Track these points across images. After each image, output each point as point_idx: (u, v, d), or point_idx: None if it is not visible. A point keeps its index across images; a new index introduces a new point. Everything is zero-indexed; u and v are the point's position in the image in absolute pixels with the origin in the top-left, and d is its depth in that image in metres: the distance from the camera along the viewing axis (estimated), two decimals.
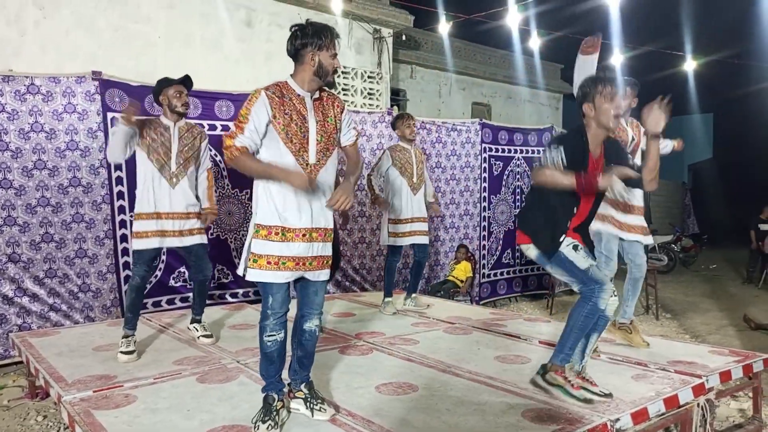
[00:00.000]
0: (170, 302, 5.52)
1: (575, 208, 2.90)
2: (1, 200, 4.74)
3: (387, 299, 5.17)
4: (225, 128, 5.78)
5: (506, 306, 7.78)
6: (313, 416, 2.73)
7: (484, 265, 7.75)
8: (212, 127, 5.72)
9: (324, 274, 2.74)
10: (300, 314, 2.80)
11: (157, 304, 5.44)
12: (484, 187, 7.73)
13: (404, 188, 5.08)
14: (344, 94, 9.67)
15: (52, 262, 4.95)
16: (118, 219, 5.23)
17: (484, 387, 3.16)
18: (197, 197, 4.05)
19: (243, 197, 5.95)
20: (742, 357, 3.63)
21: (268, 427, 2.56)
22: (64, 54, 6.89)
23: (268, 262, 2.58)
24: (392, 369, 3.50)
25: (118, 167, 5.21)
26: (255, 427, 2.57)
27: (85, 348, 3.99)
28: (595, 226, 3.84)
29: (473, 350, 3.93)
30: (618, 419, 2.66)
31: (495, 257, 7.90)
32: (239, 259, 5.80)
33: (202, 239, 4.05)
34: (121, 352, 3.70)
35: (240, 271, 2.68)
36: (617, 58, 9.76)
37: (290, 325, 2.78)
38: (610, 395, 2.86)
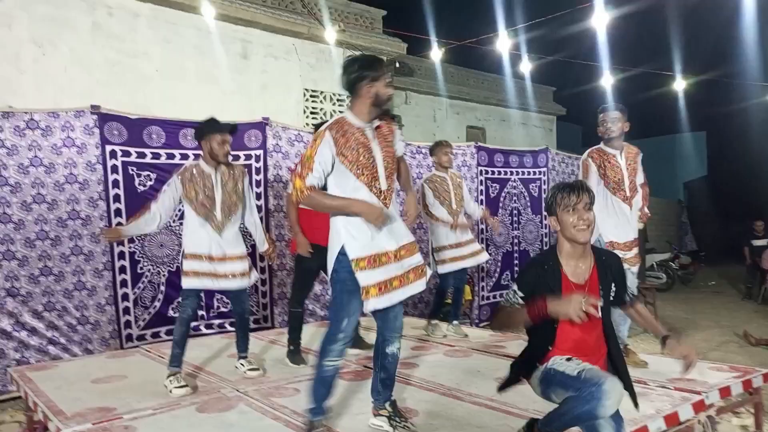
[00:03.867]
0: (169, 333, 5.46)
1: (552, 339, 2.38)
2: (0, 234, 4.76)
3: (433, 321, 5.25)
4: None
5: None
6: None
7: (482, 287, 7.76)
8: None
9: (420, 285, 2.82)
10: (382, 338, 2.86)
11: (156, 335, 5.43)
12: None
13: (444, 216, 5.11)
14: None
15: (51, 296, 4.95)
16: (117, 251, 5.25)
17: (485, 409, 3.15)
18: (246, 239, 4.11)
19: None
20: (742, 372, 3.63)
21: None
22: (61, 90, 7.00)
23: (380, 289, 2.66)
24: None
25: (116, 199, 5.25)
26: None
27: (83, 381, 3.97)
28: None
29: (473, 373, 3.92)
30: None
31: (494, 279, 7.91)
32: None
33: (246, 281, 3.97)
34: (176, 387, 3.57)
35: (368, 309, 2.72)
36: (608, 80, 9.89)
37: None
38: None
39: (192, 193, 3.74)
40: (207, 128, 3.78)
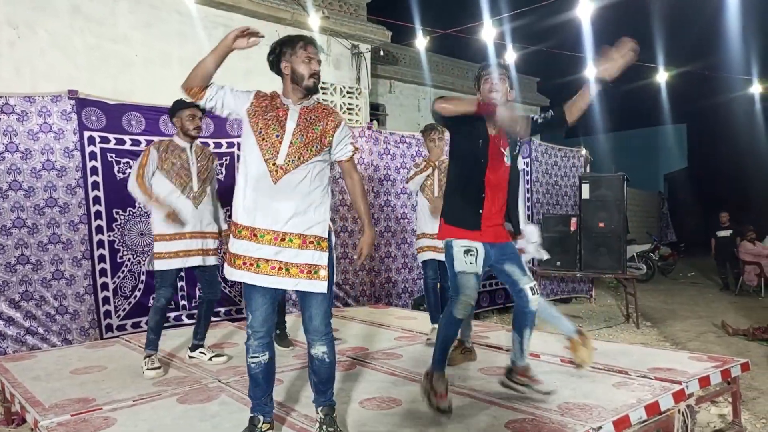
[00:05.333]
0: None
1: (482, 196, 2.96)
2: None
3: (432, 326, 4.62)
4: (205, 145, 5.75)
5: (489, 318, 7.80)
6: None
7: None
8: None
9: (309, 285, 2.58)
10: (307, 341, 2.69)
11: (136, 326, 5.36)
12: None
13: (424, 203, 4.76)
14: None
15: (29, 285, 4.86)
16: (95, 239, 5.16)
17: (468, 399, 3.16)
18: (216, 218, 4.14)
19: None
20: (721, 362, 3.68)
21: None
22: (39, 75, 6.84)
23: (243, 262, 2.57)
24: (376, 384, 3.49)
25: (95, 186, 5.16)
26: None
27: (62, 371, 3.91)
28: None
29: None
30: (600, 427, 2.68)
31: None
32: (220, 277, 5.72)
33: (217, 261, 4.11)
34: (148, 369, 3.71)
35: (225, 273, 2.69)
36: (591, 71, 9.92)
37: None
38: (551, 393, 3.03)
39: (168, 164, 3.87)
40: (176, 105, 3.95)
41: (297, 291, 2.63)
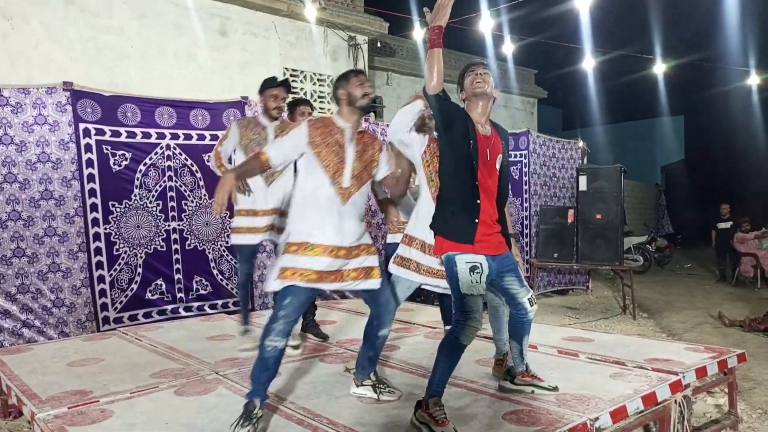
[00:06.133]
0: (147, 315, 5.44)
1: (477, 201, 2.76)
2: None
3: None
4: (200, 137, 5.75)
5: (485, 309, 7.81)
6: (378, 399, 3.03)
7: None
8: (188, 137, 5.68)
9: (367, 284, 2.97)
10: (377, 322, 3.08)
11: (133, 318, 5.36)
12: None
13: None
14: (320, 102, 9.67)
15: (25, 278, 4.85)
16: (91, 231, 5.14)
17: (465, 391, 3.16)
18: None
19: None
20: (717, 353, 3.69)
21: None
22: (34, 66, 6.80)
23: (293, 273, 2.76)
24: None
25: (91, 179, 5.14)
26: None
27: (59, 364, 3.90)
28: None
29: None
30: (597, 418, 2.69)
31: None
32: (217, 269, 5.72)
33: None
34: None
35: (267, 288, 2.88)
36: (589, 62, 9.91)
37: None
38: (556, 388, 3.05)
39: (246, 140, 3.94)
40: (264, 84, 4.07)
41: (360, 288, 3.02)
